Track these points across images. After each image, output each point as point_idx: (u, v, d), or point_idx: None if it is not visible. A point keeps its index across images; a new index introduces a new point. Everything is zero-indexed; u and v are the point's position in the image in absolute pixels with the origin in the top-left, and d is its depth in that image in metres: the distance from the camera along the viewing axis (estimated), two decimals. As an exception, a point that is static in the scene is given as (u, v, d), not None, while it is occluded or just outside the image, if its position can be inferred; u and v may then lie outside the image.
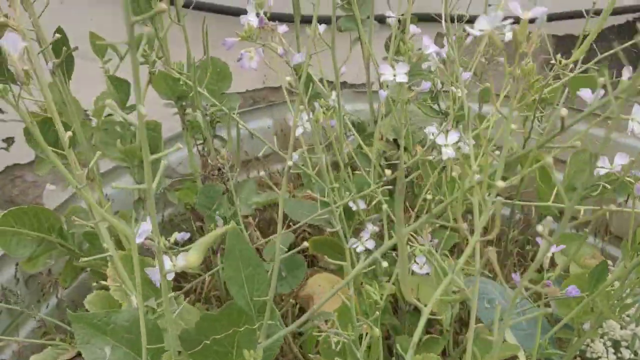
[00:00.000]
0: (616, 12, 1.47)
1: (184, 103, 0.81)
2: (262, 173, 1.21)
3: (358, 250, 0.70)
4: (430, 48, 0.61)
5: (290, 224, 0.97)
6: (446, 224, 0.45)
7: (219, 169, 0.61)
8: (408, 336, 0.84)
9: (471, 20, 1.10)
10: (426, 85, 0.65)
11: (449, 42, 0.65)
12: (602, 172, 0.53)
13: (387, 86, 0.74)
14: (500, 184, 0.37)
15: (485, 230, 0.45)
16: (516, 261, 1.11)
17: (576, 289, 0.52)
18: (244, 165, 1.24)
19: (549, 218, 0.34)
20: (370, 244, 0.71)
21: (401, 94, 0.75)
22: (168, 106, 0.82)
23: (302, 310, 0.96)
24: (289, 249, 0.94)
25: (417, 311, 0.82)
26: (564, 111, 0.35)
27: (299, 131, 0.70)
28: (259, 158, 1.27)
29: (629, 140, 1.23)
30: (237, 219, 0.73)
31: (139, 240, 0.56)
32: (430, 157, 0.65)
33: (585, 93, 0.58)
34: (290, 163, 0.52)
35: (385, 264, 0.44)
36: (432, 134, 0.58)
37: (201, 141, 0.94)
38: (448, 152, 0.57)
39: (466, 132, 0.60)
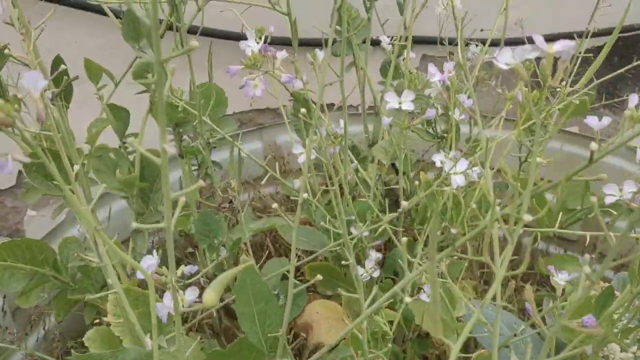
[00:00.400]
0: (605, 33, 1.51)
1: (181, 130, 0.79)
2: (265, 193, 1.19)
3: (363, 278, 0.69)
4: (436, 76, 0.61)
5: (287, 249, 0.95)
6: (465, 257, 0.45)
7: (231, 201, 0.60)
8: (411, 364, 0.83)
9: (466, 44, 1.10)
10: (431, 112, 0.65)
11: (464, 68, 0.65)
12: (611, 200, 0.53)
13: (387, 112, 0.74)
14: (528, 217, 0.37)
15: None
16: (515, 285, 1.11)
17: (592, 319, 0.52)
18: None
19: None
20: (376, 273, 0.70)
21: (403, 120, 0.75)
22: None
23: (296, 336, 0.95)
24: (285, 276, 0.92)
25: (421, 338, 0.81)
26: (594, 145, 0.35)
27: (301, 159, 0.70)
28: (249, 181, 1.26)
29: (612, 160, 1.26)
30: (236, 248, 0.71)
31: (144, 275, 0.55)
32: (435, 185, 0.64)
33: (591, 120, 0.58)
34: (305, 195, 0.51)
35: (408, 298, 0.43)
36: (440, 162, 0.58)
37: (195, 167, 0.93)
38: (457, 181, 0.56)
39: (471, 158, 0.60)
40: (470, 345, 0.90)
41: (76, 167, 0.46)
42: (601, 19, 0.92)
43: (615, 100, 1.36)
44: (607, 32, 1.51)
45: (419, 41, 1.16)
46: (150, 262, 0.55)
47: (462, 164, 0.57)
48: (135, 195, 0.68)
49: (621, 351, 0.80)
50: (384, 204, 0.88)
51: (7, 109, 0.28)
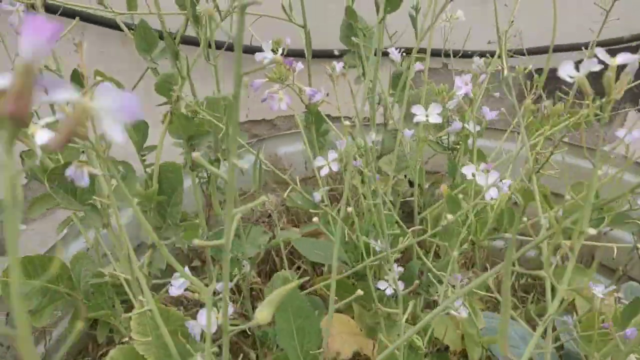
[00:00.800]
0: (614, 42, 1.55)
1: (193, 142, 0.78)
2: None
3: (387, 292, 0.68)
4: (462, 89, 0.61)
5: (296, 260, 0.94)
6: (526, 272, 0.44)
7: (269, 215, 0.58)
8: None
9: (466, 55, 1.12)
10: (457, 125, 0.65)
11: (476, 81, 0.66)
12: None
13: (409, 124, 0.73)
14: (592, 231, 0.37)
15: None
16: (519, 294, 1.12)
17: (635, 331, 0.52)
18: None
19: None
20: (400, 285, 0.69)
21: (422, 133, 0.74)
22: (176, 145, 0.79)
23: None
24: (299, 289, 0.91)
25: (440, 352, 0.80)
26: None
27: (324, 172, 0.69)
28: (252, 193, 1.25)
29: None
30: (242, 262, 0.70)
31: (176, 293, 0.53)
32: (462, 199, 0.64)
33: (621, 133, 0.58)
34: (349, 209, 0.50)
35: (465, 313, 0.42)
36: (472, 174, 0.58)
37: (205, 179, 0.92)
38: (491, 194, 0.56)
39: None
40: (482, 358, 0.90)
41: (113, 182, 0.44)
42: (605, 29, 0.94)
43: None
44: (617, 41, 1.53)
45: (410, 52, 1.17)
46: (181, 281, 0.53)
47: (494, 176, 0.57)
48: (152, 209, 0.66)
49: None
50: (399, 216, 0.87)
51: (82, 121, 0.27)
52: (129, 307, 0.76)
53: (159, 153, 0.65)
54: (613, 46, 1.62)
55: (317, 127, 0.87)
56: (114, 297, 0.74)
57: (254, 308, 0.88)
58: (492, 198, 0.55)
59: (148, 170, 0.68)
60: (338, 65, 0.77)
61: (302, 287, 1.08)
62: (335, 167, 0.68)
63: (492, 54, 0.97)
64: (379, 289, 0.70)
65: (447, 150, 0.92)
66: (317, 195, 0.70)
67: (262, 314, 0.39)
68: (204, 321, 0.51)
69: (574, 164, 1.22)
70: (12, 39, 0.64)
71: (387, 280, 0.69)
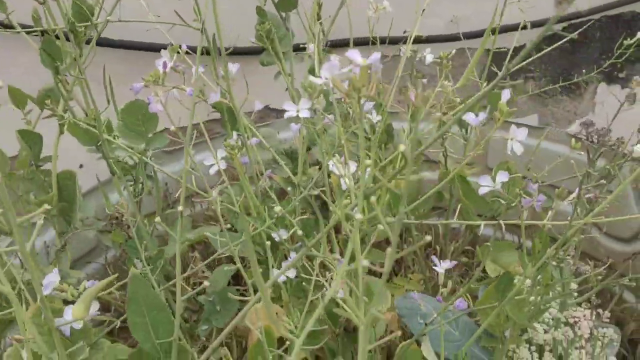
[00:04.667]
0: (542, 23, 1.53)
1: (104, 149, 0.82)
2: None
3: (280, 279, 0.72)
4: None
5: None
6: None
7: (116, 218, 0.62)
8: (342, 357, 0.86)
9: (393, 42, 1.13)
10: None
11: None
12: (484, 190, 0.56)
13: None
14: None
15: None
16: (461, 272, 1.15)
17: (463, 302, 0.55)
18: (188, 199, 1.26)
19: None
20: (292, 273, 0.73)
21: (317, 123, 0.77)
22: (91, 151, 0.84)
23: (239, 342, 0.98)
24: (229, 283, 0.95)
25: (348, 332, 0.84)
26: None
27: (213, 170, 0.73)
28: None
29: (556, 148, 1.29)
30: (161, 260, 0.74)
31: (46, 292, 0.57)
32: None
33: (470, 117, 0.61)
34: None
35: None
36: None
37: (131, 182, 0.96)
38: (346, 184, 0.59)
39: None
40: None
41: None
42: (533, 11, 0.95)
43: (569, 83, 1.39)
44: (575, 15, 1.52)
45: (342, 44, 1.19)
46: (51, 279, 0.58)
47: (353, 167, 0.60)
48: (54, 215, 0.71)
49: (545, 333, 0.83)
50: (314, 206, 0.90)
51: None
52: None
53: (54, 161, 0.70)
54: (572, 20, 1.60)
55: (232, 126, 0.91)
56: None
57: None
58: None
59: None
60: (234, 66, 0.80)
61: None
62: (223, 165, 0.71)
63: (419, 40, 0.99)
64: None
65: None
66: (214, 193, 0.74)
67: (76, 309, 0.43)
68: (69, 316, 0.54)
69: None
70: None
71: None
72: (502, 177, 0.56)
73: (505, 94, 0.59)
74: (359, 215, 0.40)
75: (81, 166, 1.06)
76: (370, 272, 0.97)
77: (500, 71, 0.77)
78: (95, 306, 0.57)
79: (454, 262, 0.59)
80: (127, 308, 0.53)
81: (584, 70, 1.35)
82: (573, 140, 0.74)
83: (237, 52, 1.12)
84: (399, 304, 0.92)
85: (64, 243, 0.73)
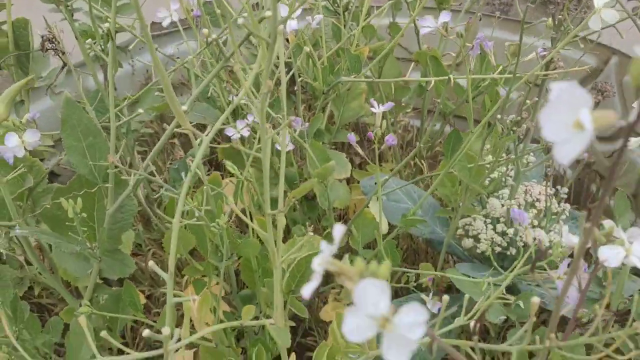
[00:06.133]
0: None
1: (68, 5, 0.81)
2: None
3: (235, 137, 0.73)
4: None
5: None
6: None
7: (50, 40, 0.61)
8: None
9: None
10: None
11: None
12: (425, 31, 0.54)
13: None
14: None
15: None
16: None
17: (393, 137, 0.55)
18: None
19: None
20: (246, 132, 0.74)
21: None
22: (53, 11, 0.82)
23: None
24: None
25: (309, 201, 0.86)
26: None
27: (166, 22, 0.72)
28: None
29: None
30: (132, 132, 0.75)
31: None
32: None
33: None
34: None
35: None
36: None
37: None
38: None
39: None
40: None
41: None
42: None
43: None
44: None
45: None
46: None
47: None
48: (13, 65, 0.71)
49: (502, 207, 0.83)
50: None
51: None
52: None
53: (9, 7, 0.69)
54: None
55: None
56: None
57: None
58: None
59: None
60: None
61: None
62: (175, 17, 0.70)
63: None
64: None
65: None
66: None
67: (-3, 109, 0.44)
68: (12, 143, 0.55)
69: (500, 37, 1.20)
70: None
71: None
72: (444, 17, 0.54)
73: None
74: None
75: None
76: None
77: None
78: (35, 135, 0.58)
79: (391, 104, 0.58)
80: (61, 131, 0.54)
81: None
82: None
83: None
84: (364, 183, 0.93)
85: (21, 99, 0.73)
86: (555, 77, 0.68)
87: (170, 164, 1.16)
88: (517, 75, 0.59)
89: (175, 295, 0.40)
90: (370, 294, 0.19)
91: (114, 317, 0.64)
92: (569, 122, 0.21)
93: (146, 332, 0.35)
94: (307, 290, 0.21)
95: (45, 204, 0.55)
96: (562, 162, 0.21)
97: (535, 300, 0.28)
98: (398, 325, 0.19)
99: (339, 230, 0.22)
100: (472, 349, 0.30)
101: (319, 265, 0.21)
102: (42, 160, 0.83)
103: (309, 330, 0.92)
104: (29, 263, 0.68)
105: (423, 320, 0.19)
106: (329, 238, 0.68)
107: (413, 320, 0.19)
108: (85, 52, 0.78)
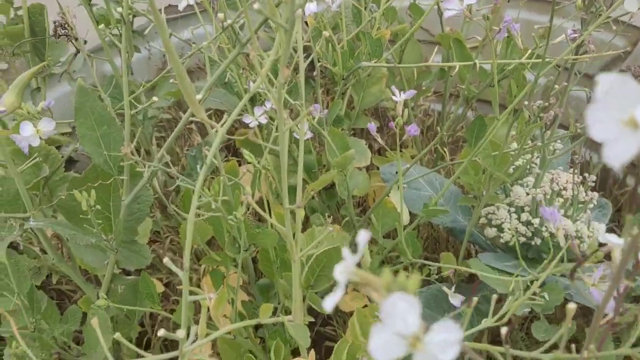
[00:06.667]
0: None
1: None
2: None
3: (252, 124, 0.71)
4: None
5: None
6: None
7: (62, 26, 0.60)
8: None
9: None
10: None
11: None
12: (450, 13, 0.52)
13: None
14: None
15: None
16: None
17: (415, 128, 0.52)
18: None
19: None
20: (263, 119, 0.72)
21: None
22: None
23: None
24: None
25: (327, 190, 0.84)
26: None
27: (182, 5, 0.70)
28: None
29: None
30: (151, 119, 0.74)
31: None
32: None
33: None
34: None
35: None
36: None
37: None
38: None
39: None
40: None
41: None
42: None
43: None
44: None
45: None
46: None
47: None
48: (30, 52, 0.70)
49: (527, 195, 0.81)
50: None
51: None
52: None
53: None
54: None
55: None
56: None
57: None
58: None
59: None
60: None
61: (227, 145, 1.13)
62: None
63: None
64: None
65: None
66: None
67: (8, 99, 0.43)
68: (27, 133, 0.54)
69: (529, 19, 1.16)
70: None
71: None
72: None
73: None
74: None
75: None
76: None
77: None
78: (50, 124, 0.57)
79: (413, 92, 0.56)
80: (75, 119, 0.52)
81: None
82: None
83: None
84: (384, 169, 0.91)
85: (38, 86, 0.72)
86: (586, 60, 0.65)
87: (188, 149, 1.15)
88: (547, 59, 0.56)
89: (191, 291, 0.39)
90: (399, 310, 0.17)
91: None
92: (621, 119, 0.19)
93: (161, 332, 0.34)
94: (329, 303, 0.19)
95: (61, 195, 0.55)
96: (614, 165, 0.19)
97: (572, 306, 0.27)
98: (429, 344, 0.17)
99: (363, 236, 0.21)
100: (503, 354, 0.28)
101: (340, 274, 0.20)
102: (58, 147, 0.83)
103: (328, 319, 0.91)
104: (45, 252, 0.68)
105: (456, 339, 0.17)
106: (347, 227, 0.66)
107: (446, 339, 0.17)
108: (102, 37, 0.76)
